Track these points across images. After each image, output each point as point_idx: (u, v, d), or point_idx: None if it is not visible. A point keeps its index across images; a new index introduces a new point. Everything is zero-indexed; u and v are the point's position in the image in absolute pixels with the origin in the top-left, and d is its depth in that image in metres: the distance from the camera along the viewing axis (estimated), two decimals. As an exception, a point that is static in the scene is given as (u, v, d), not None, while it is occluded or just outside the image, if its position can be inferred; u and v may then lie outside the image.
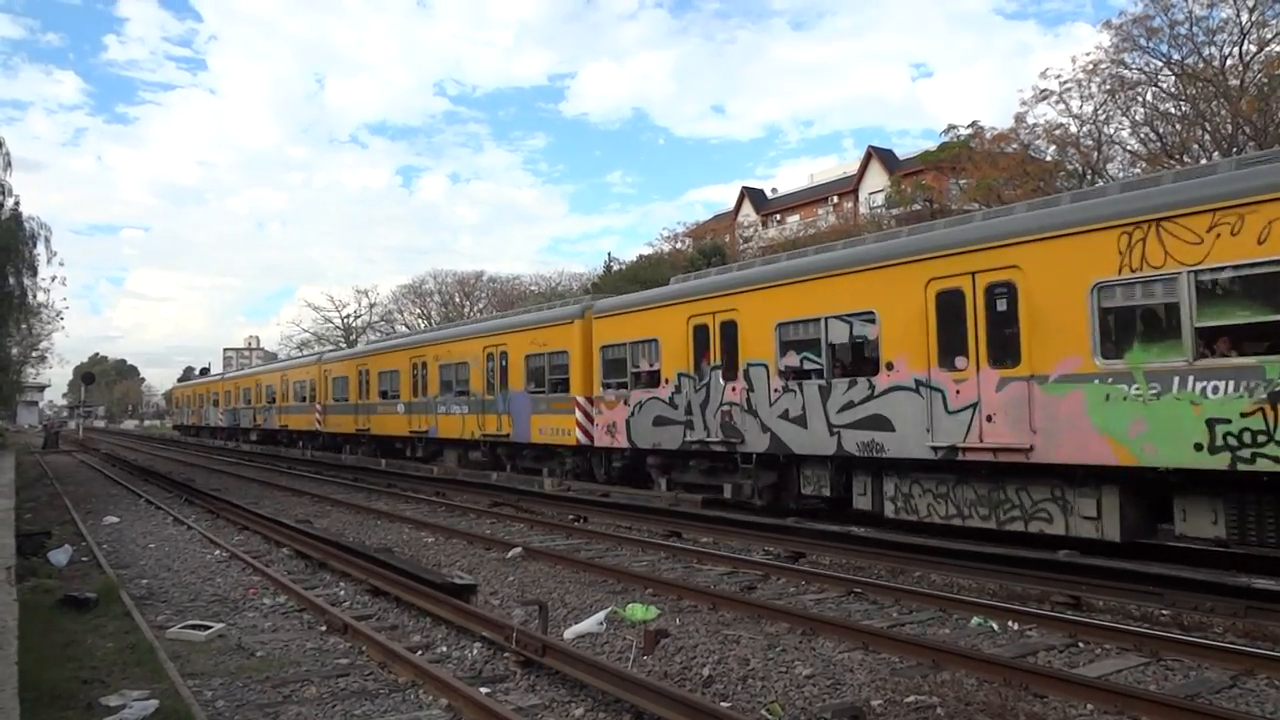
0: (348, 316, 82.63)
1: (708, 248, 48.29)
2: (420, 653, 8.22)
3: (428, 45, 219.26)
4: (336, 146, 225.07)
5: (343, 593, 11.18)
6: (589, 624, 8.96)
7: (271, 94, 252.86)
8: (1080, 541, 11.59)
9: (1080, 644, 8.19)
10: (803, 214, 64.42)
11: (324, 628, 9.33)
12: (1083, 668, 7.51)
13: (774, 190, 74.91)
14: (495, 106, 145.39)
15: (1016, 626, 8.78)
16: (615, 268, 54.54)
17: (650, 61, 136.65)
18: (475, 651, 8.32)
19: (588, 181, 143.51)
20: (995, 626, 8.80)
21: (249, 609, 10.40)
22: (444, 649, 8.50)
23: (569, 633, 8.81)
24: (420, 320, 75.51)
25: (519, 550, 13.40)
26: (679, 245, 57.82)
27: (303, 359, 50.73)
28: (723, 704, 6.71)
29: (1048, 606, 9.38)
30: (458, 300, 76.90)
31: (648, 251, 59.03)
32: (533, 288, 72.66)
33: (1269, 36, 30.64)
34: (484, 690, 7.05)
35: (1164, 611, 9.16)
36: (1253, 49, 30.90)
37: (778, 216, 67.66)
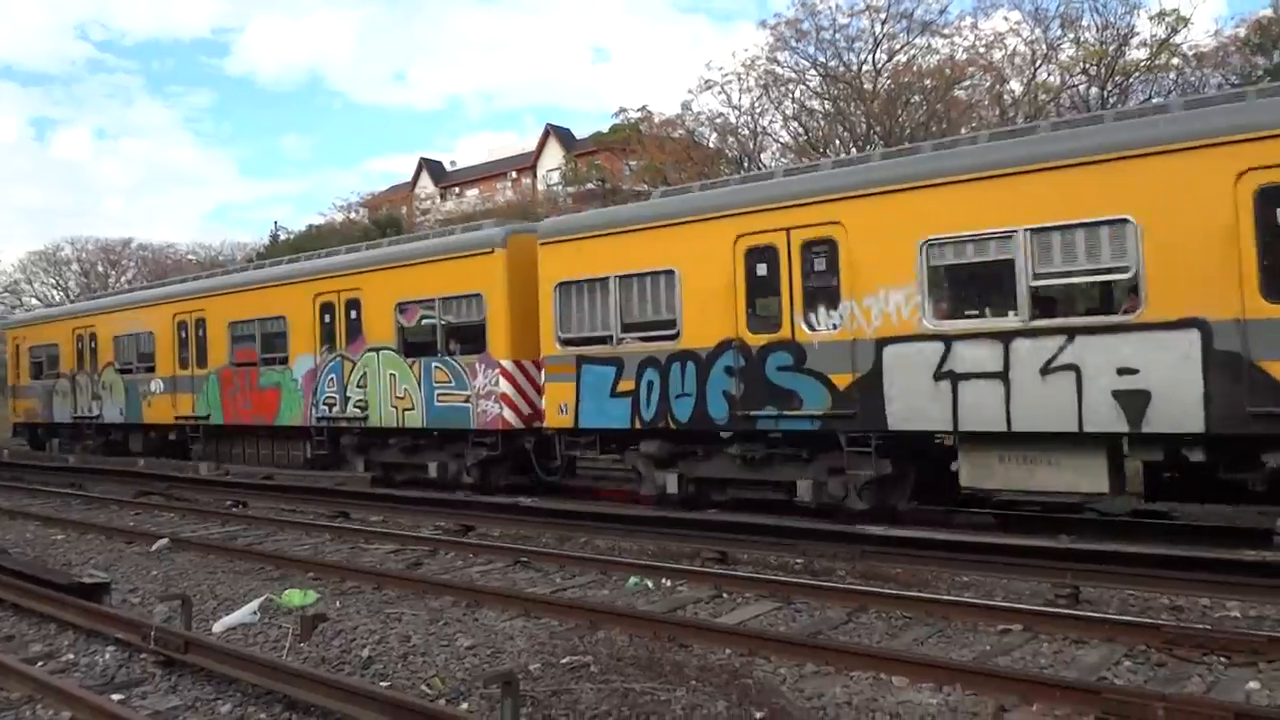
0: (-40, 286, 71.78)
1: (383, 219, 46.87)
2: (41, 663, 7.37)
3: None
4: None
5: (-56, 602, 9.75)
6: (241, 614, 8.46)
7: None
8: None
9: (724, 595, 8.86)
10: (482, 188, 64.37)
11: (-84, 644, 8.10)
12: (724, 616, 8.14)
13: (453, 163, 74.19)
14: (149, 57, 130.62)
15: (669, 583, 9.34)
16: (283, 237, 51.57)
17: (328, 21, 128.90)
18: (108, 656, 7.59)
19: (258, 144, 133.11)
20: (650, 584, 9.32)
21: None
22: (70, 656, 7.67)
23: (218, 626, 8.28)
24: (56, 292, 67.21)
25: (165, 541, 12.35)
26: (353, 215, 55.64)
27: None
28: (382, 684, 6.61)
29: (698, 563, 10.06)
30: (101, 270, 69.23)
31: (320, 221, 56.32)
32: (190, 257, 66.96)
33: (897, 48, 34.47)
34: (116, 697, 6.46)
35: (798, 560, 10.15)
36: (884, 58, 34.61)
37: (457, 189, 67.10)
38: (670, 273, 13.04)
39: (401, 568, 10.58)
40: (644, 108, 37.99)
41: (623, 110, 38.90)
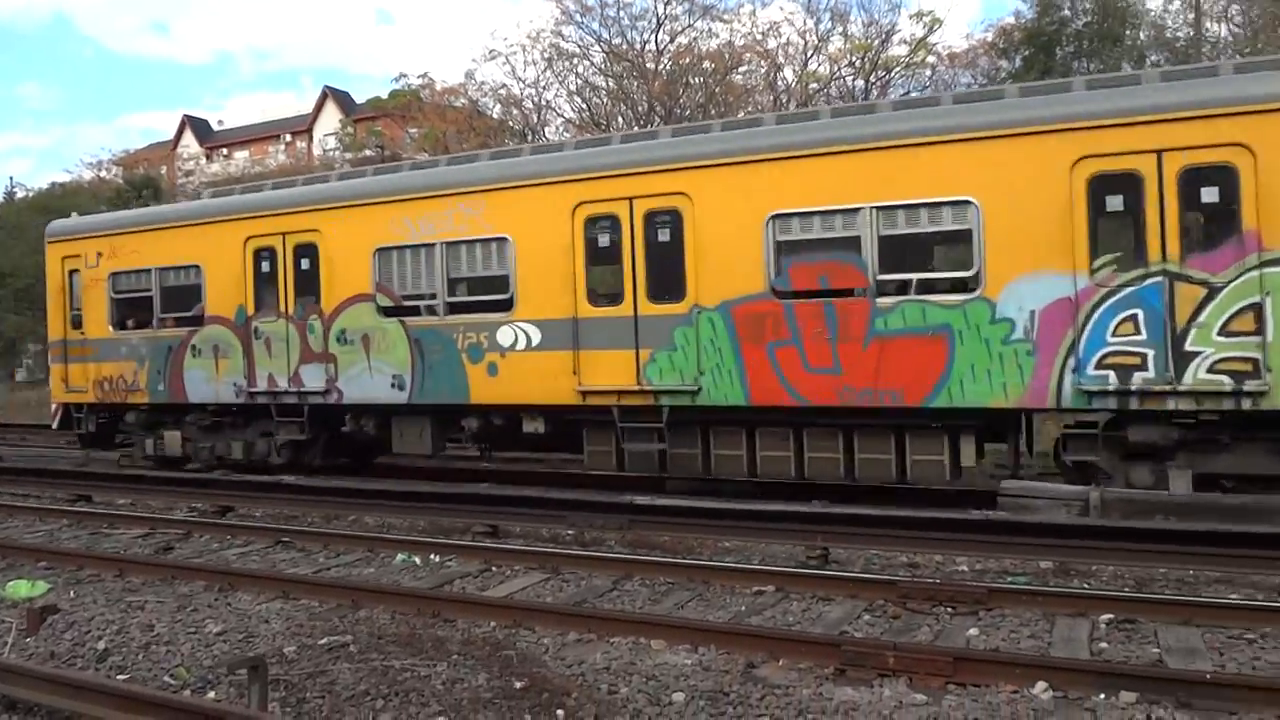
0: None
1: (139, 179, 43.39)
2: None
3: None
4: None
5: None
6: (-46, 610, 7.66)
7: None
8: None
9: (493, 568, 8.83)
10: (253, 150, 60.96)
11: None
12: (491, 590, 8.12)
13: (220, 122, 69.83)
14: None
15: (438, 559, 9.21)
16: (21, 195, 46.82)
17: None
18: None
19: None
20: (419, 561, 9.16)
21: None
22: None
23: (-74, 624, 7.46)
24: None
25: None
26: (105, 174, 51.23)
27: None
28: (120, 677, 6.19)
29: (469, 537, 9.97)
30: None
31: (66, 179, 51.46)
32: (-92, 215, 59.66)
33: (679, 29, 35.18)
34: None
35: (569, 532, 10.25)
36: (666, 38, 35.25)
37: (224, 150, 63.21)
38: None
39: (149, 553, 9.90)
40: (426, 75, 37.10)
41: (403, 76, 37.89)
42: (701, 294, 11.29)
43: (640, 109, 34.62)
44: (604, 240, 11.83)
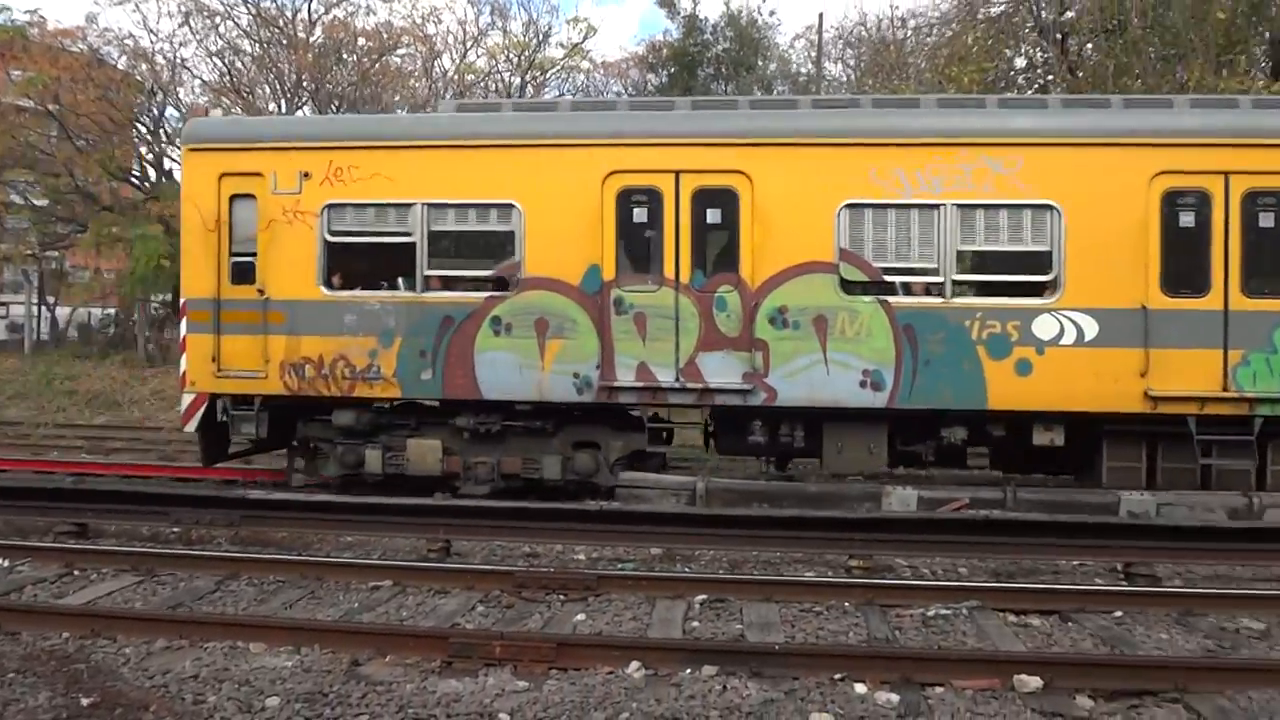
0: None
1: None
2: None
3: None
4: None
5: None
6: None
7: None
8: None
9: (76, 572, 7.90)
10: None
11: None
12: (70, 596, 7.28)
13: None
14: None
15: (7, 563, 8.09)
16: None
17: None
18: None
19: None
20: (-19, 567, 8.02)
21: None
22: None
23: None
24: None
25: None
26: None
27: None
28: None
29: (50, 538, 8.88)
30: None
31: None
32: None
33: (334, 1, 33.61)
34: None
35: (173, 529, 9.44)
36: (320, 9, 33.56)
37: None
38: None
39: None
40: (36, 11, 32.70)
41: (5, 9, 33.00)
42: None
43: (288, 81, 32.77)
44: (1186, 218, 10.13)
